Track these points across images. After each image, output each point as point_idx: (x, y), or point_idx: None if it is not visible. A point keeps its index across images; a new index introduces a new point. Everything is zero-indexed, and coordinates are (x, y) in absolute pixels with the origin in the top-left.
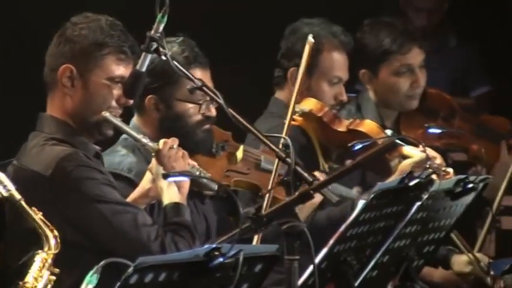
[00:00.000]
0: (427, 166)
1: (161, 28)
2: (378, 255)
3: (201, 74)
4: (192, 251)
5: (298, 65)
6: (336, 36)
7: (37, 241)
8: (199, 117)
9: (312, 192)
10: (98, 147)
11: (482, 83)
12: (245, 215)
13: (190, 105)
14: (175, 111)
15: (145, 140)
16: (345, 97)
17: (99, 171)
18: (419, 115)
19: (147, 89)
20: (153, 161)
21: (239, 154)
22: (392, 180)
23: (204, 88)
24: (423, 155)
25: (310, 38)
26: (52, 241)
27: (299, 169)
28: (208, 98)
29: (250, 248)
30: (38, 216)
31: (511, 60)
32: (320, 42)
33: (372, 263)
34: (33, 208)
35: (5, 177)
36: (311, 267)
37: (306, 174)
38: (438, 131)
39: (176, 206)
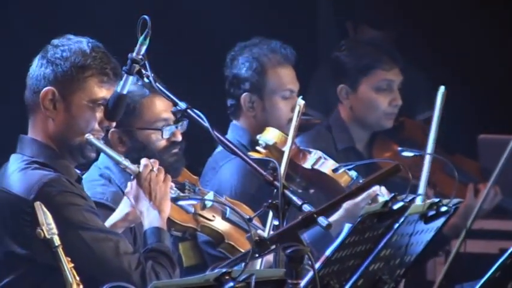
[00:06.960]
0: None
1: (143, 50)
2: (354, 278)
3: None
4: (202, 275)
5: (247, 91)
6: (276, 52)
7: None
8: (163, 143)
9: (315, 216)
10: (79, 172)
11: (429, 107)
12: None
13: (151, 131)
14: (139, 141)
15: (126, 163)
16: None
17: (82, 197)
18: (394, 143)
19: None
20: (133, 184)
21: None
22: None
23: (189, 111)
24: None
25: (300, 101)
26: None
27: (288, 192)
28: (171, 123)
29: (259, 272)
30: (69, 266)
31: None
32: (262, 62)
33: (348, 286)
34: (67, 258)
35: (52, 219)
36: None
37: (294, 198)
38: (411, 154)
39: (157, 230)
